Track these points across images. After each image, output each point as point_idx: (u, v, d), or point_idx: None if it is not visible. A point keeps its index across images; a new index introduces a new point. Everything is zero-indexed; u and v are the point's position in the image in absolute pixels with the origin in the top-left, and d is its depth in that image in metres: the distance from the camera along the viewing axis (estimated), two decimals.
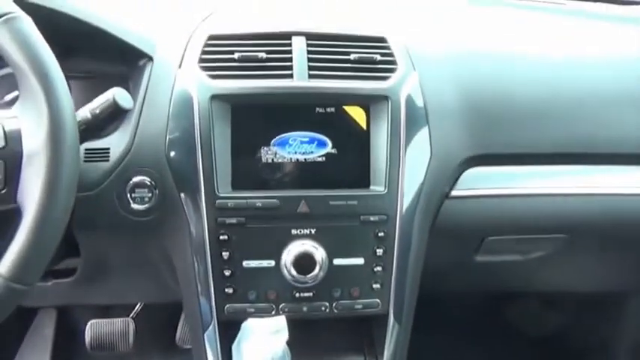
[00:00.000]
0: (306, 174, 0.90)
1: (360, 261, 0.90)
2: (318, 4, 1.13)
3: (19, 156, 0.67)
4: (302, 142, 0.90)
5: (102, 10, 0.90)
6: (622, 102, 1.04)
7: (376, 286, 0.91)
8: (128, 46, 0.90)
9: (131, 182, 0.87)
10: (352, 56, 0.92)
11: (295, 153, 0.89)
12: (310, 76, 0.90)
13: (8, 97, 0.95)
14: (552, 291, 1.33)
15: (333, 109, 0.90)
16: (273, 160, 0.89)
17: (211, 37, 0.92)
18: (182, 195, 0.88)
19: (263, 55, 0.90)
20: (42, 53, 0.68)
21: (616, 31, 1.22)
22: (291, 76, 0.90)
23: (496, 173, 0.99)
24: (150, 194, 0.87)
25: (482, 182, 0.98)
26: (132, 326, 1.37)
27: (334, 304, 0.91)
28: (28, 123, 0.68)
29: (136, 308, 1.38)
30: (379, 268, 0.91)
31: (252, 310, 0.89)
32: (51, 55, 0.69)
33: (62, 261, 0.96)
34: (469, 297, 1.48)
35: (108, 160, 0.87)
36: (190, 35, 0.94)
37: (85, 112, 0.79)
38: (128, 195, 0.87)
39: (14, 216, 0.67)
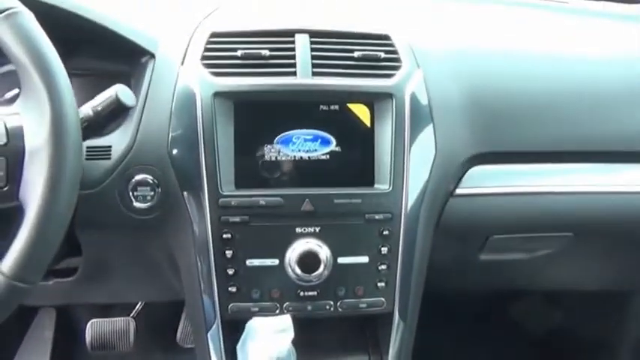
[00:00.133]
0: (310, 172, 0.89)
1: (364, 259, 0.90)
2: (320, 2, 1.12)
3: (21, 153, 0.66)
4: (306, 140, 0.89)
5: (103, 6, 0.90)
6: (627, 99, 1.04)
7: (381, 284, 0.91)
8: (130, 43, 0.90)
9: (133, 180, 0.86)
10: (356, 54, 0.92)
11: (299, 151, 0.89)
12: (314, 74, 0.89)
13: (9, 95, 0.94)
14: (556, 289, 1.33)
15: (336, 107, 0.90)
16: (276, 158, 0.89)
17: (214, 35, 0.92)
18: (185, 193, 0.87)
19: (266, 52, 0.90)
20: (44, 49, 0.67)
21: (618, 29, 1.22)
22: (294, 73, 0.89)
23: (501, 171, 0.98)
24: (152, 192, 0.86)
25: (486, 180, 0.97)
26: (132, 325, 1.36)
27: (339, 303, 0.90)
28: (30, 120, 0.67)
29: (137, 307, 1.37)
30: (384, 267, 0.90)
31: (256, 309, 0.88)
32: (53, 50, 0.69)
33: (63, 260, 0.95)
34: (473, 295, 1.48)
35: (110, 158, 0.86)
36: (193, 32, 0.93)
37: (87, 109, 0.78)
38: (130, 193, 0.86)
39: (16, 214, 0.66)
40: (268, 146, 0.88)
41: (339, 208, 0.88)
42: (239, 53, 0.89)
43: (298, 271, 0.86)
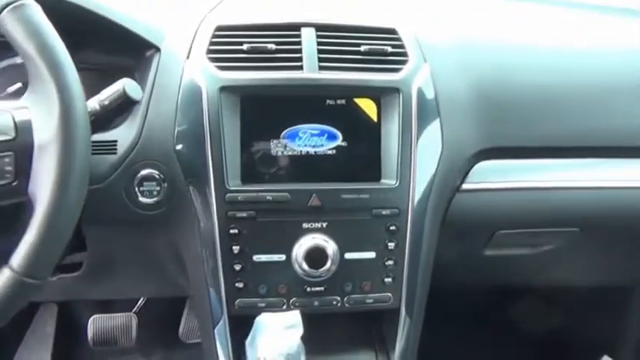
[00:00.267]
0: (317, 167, 0.89)
1: (371, 255, 0.89)
2: None
3: (30, 147, 0.65)
4: (312, 135, 0.88)
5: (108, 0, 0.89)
6: (634, 93, 1.04)
7: (388, 280, 0.91)
8: (135, 37, 0.89)
9: (139, 175, 0.85)
10: (362, 48, 0.91)
11: (305, 146, 0.88)
12: (320, 68, 0.89)
13: (11, 89, 0.93)
14: (560, 285, 1.33)
15: (343, 102, 0.89)
16: (283, 152, 0.88)
17: (219, 28, 0.91)
18: (191, 188, 0.86)
19: (272, 46, 0.89)
20: (53, 41, 0.66)
21: (621, 23, 1.22)
22: (301, 67, 0.88)
23: (507, 166, 0.98)
24: (158, 187, 0.86)
25: (493, 175, 0.97)
26: (135, 321, 1.36)
27: (345, 299, 0.90)
28: (38, 113, 0.66)
29: (139, 303, 1.37)
30: (391, 262, 0.90)
31: (263, 304, 0.88)
32: (61, 43, 0.68)
33: (68, 255, 0.94)
34: (475, 292, 1.48)
35: (115, 153, 0.85)
36: (198, 26, 0.92)
37: (94, 103, 0.78)
38: (136, 188, 0.85)
39: (25, 209, 0.65)
40: (275, 141, 0.88)
41: (346, 204, 0.88)
42: (245, 47, 0.88)
43: (305, 266, 0.86)
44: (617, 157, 1.03)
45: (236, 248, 0.87)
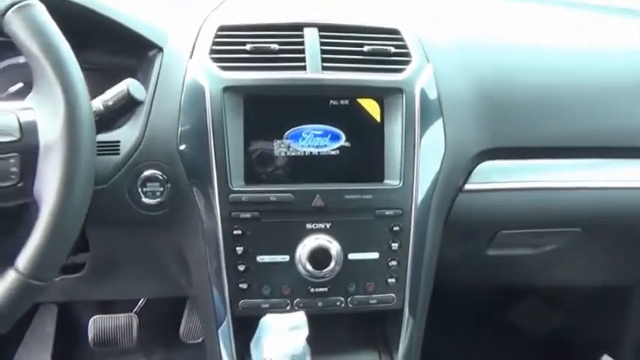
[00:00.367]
0: (320, 167, 0.89)
1: (375, 255, 0.89)
2: None
3: (35, 148, 0.65)
4: (315, 136, 0.88)
5: (111, 0, 0.88)
6: (636, 94, 1.04)
7: (391, 280, 0.91)
8: (138, 37, 0.88)
9: (142, 176, 0.85)
10: (366, 48, 0.91)
11: (309, 146, 0.88)
12: (323, 68, 0.89)
13: (13, 89, 0.93)
14: (562, 285, 1.33)
15: (346, 102, 0.89)
16: (286, 153, 0.88)
17: (222, 28, 0.90)
18: (194, 189, 0.86)
19: (275, 46, 0.89)
20: (57, 42, 0.66)
21: (621, 23, 1.22)
22: (304, 67, 0.88)
23: (510, 166, 0.98)
24: (161, 188, 0.85)
25: (496, 176, 0.97)
26: (135, 321, 1.36)
27: (349, 299, 0.90)
28: (43, 114, 0.66)
29: (140, 303, 1.37)
30: (394, 263, 0.90)
31: (267, 305, 0.88)
32: (66, 44, 0.67)
33: (71, 256, 0.94)
34: (477, 292, 1.48)
35: (118, 154, 0.85)
36: (200, 26, 0.92)
37: (98, 103, 0.78)
38: (139, 189, 0.85)
39: (30, 210, 0.65)
40: (278, 141, 0.88)
41: (349, 204, 0.88)
42: (248, 47, 0.88)
43: (309, 267, 0.86)
44: (619, 157, 1.03)
45: (240, 249, 0.87)
